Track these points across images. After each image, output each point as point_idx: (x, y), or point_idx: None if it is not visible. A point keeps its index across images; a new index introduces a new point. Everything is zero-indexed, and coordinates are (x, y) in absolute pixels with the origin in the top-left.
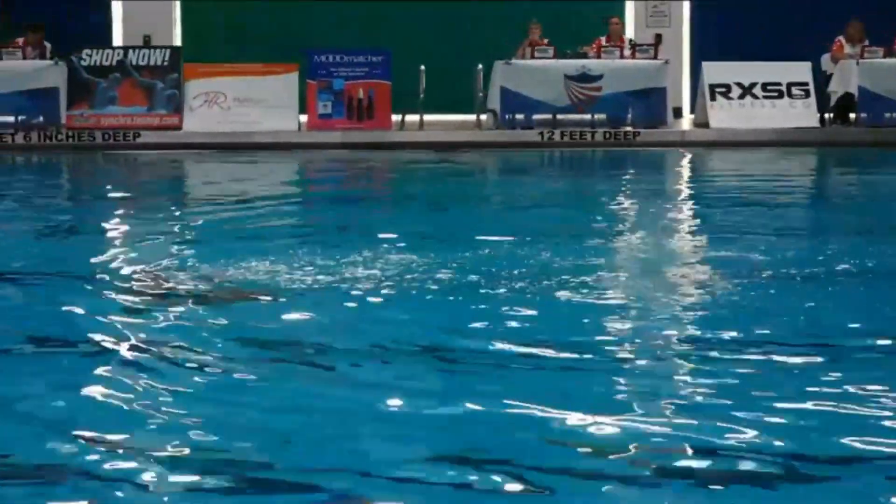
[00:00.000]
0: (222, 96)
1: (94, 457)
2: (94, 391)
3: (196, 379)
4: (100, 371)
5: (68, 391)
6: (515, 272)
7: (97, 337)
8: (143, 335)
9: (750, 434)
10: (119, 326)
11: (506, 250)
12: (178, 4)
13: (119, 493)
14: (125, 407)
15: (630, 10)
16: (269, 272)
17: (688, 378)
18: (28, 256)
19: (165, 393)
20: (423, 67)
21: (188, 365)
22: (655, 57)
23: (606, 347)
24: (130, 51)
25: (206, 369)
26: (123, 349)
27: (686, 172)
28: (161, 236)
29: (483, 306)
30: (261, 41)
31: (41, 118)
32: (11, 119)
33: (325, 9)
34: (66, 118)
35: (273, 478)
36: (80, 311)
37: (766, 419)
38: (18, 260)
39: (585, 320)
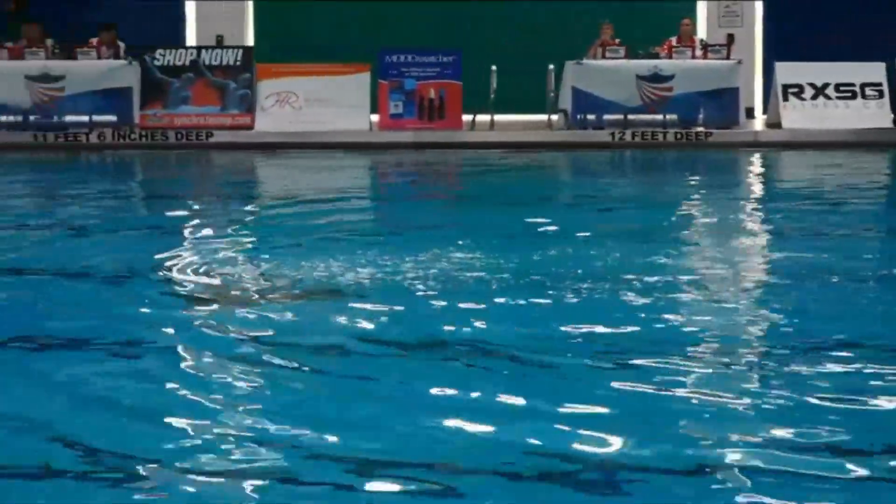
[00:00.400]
0: (294, 96)
1: (180, 451)
2: (175, 386)
3: (277, 373)
4: (182, 366)
5: (151, 386)
6: (584, 272)
7: (173, 333)
8: (218, 332)
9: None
10: (193, 323)
11: (577, 250)
12: (250, 5)
13: (201, 486)
14: (204, 402)
15: (702, 10)
16: (340, 271)
17: (767, 381)
18: (104, 254)
19: (247, 388)
20: (494, 67)
21: (269, 362)
22: (728, 57)
23: (685, 349)
24: (203, 51)
25: (283, 365)
26: (198, 346)
27: (758, 173)
28: (232, 235)
29: (553, 308)
30: (333, 41)
31: (115, 117)
32: (86, 118)
33: (397, 9)
34: (139, 118)
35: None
36: (155, 308)
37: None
38: (97, 257)
39: (658, 321)
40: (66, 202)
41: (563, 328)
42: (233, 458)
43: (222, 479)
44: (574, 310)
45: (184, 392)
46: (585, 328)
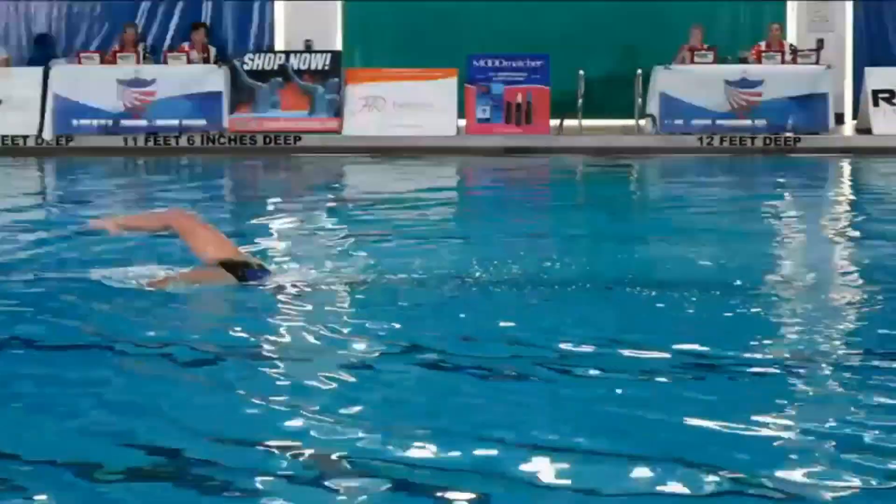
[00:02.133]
0: (382, 100)
1: (267, 458)
2: (266, 392)
3: (357, 373)
4: (266, 371)
5: (240, 392)
6: (671, 277)
7: (268, 338)
8: (317, 331)
9: None
10: (285, 326)
11: (665, 254)
12: (339, 9)
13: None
14: (283, 409)
15: (792, 15)
16: (426, 272)
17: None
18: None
19: (346, 389)
20: (582, 72)
21: (349, 361)
22: (817, 62)
23: (777, 356)
24: (292, 55)
25: (365, 364)
26: (285, 348)
27: (849, 179)
28: (317, 236)
29: (639, 311)
30: (421, 46)
31: (204, 122)
32: (176, 122)
33: (485, 14)
34: (228, 122)
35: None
36: (247, 314)
37: None
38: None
39: (748, 329)
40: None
41: (655, 333)
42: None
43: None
44: (672, 316)
45: (281, 398)
46: (671, 330)
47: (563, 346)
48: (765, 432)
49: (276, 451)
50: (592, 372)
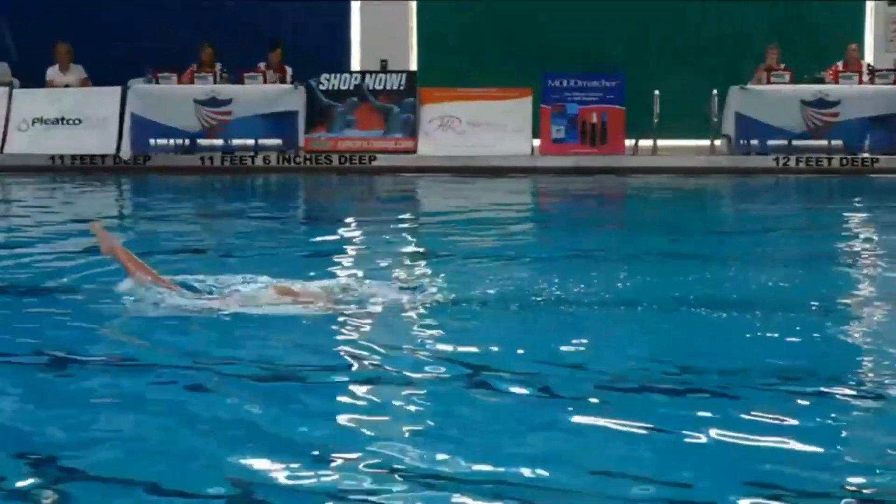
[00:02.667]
0: (457, 120)
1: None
2: (348, 412)
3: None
4: (353, 391)
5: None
6: (744, 298)
7: (344, 358)
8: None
9: None
10: (356, 345)
11: (738, 275)
12: (414, 30)
13: None
14: (365, 430)
15: (869, 35)
16: (493, 291)
17: None
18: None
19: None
20: (657, 92)
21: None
22: (895, 82)
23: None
24: (368, 75)
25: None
26: (356, 368)
27: None
28: (394, 257)
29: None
30: (495, 65)
31: (280, 141)
32: (252, 142)
33: (560, 33)
34: (304, 141)
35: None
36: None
37: None
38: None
39: (830, 351)
40: (226, 223)
41: (726, 353)
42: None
43: None
44: (741, 337)
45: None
46: (746, 350)
47: (634, 367)
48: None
49: (345, 468)
50: (658, 397)
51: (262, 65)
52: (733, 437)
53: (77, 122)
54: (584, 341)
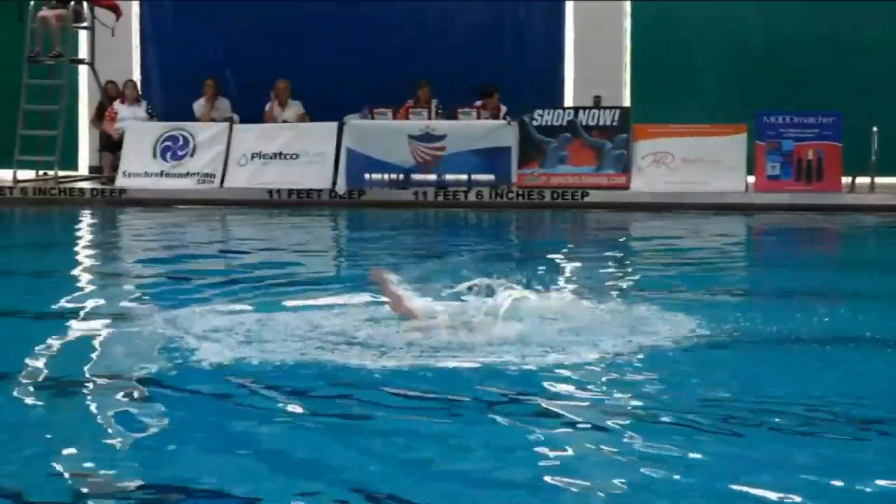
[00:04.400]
0: (670, 156)
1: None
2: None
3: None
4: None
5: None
6: None
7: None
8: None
9: None
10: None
11: None
12: (628, 66)
13: None
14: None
15: None
16: (709, 328)
17: None
18: None
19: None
20: (875, 129)
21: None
22: None
23: None
24: (581, 111)
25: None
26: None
27: None
28: (601, 291)
29: None
30: (709, 102)
31: (493, 176)
32: (465, 177)
33: (774, 72)
34: (516, 177)
35: None
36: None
37: None
38: None
39: None
40: (439, 257)
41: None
42: None
43: None
44: None
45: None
46: None
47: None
48: None
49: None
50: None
51: (478, 103)
52: None
53: (294, 156)
54: (807, 381)
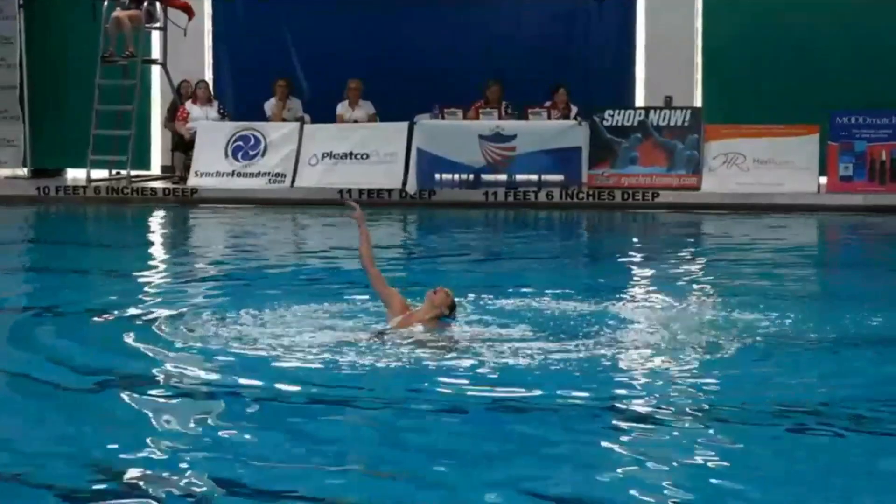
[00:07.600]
0: (742, 157)
1: None
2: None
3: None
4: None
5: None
6: None
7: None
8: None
9: None
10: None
11: None
12: (700, 66)
13: None
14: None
15: None
16: (777, 329)
17: None
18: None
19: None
20: None
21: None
22: None
23: None
24: (652, 112)
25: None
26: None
27: None
28: (670, 293)
29: None
30: (781, 102)
31: (563, 177)
32: (535, 177)
33: (846, 70)
34: (587, 177)
35: None
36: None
37: None
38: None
39: None
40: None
41: None
42: None
43: None
44: None
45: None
46: None
47: None
48: None
49: None
50: None
51: (549, 103)
52: None
53: (365, 156)
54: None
